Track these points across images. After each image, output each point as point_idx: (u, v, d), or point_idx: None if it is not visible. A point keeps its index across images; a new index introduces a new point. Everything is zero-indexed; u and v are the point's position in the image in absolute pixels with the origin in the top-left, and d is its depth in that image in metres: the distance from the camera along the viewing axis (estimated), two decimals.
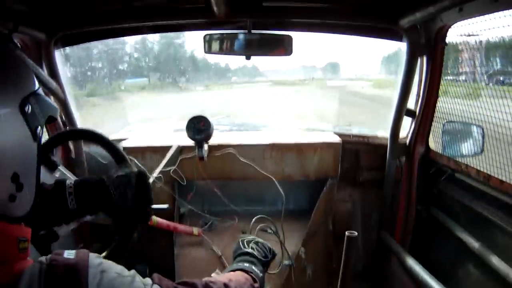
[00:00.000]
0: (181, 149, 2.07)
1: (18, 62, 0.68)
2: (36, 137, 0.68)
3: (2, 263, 0.64)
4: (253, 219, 1.97)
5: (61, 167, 1.31)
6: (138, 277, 0.75)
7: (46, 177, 1.30)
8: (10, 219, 0.66)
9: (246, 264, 1.14)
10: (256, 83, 21.26)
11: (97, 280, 0.66)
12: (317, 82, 21.16)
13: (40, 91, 0.71)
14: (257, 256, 1.21)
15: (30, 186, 0.68)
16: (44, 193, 1.00)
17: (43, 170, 1.29)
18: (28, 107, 0.66)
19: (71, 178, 1.31)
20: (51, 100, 0.73)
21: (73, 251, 0.69)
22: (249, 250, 1.22)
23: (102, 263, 0.70)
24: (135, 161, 1.99)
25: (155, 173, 1.94)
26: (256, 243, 1.26)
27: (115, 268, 0.71)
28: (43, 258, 0.66)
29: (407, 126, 2.08)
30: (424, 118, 1.94)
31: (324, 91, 16.81)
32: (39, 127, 0.69)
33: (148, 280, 0.77)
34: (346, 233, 1.51)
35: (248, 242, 1.25)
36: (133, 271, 0.75)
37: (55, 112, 0.75)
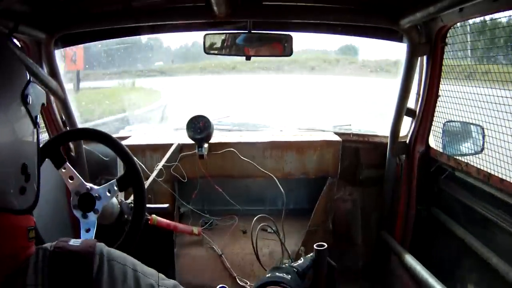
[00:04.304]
0: (181, 147, 2.07)
1: (11, 55, 0.70)
2: (35, 124, 0.70)
3: (13, 256, 0.64)
4: (254, 219, 1.97)
5: (67, 164, 1.33)
6: (156, 277, 0.72)
7: (53, 173, 1.33)
8: (19, 211, 0.66)
9: (278, 273, 1.03)
10: None
11: (102, 267, 0.65)
12: None
13: (31, 79, 0.73)
14: (294, 267, 1.09)
15: (35, 175, 0.70)
16: None
17: (50, 165, 1.32)
18: (29, 98, 0.68)
19: (76, 174, 1.33)
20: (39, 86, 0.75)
21: (79, 239, 0.69)
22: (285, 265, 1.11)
23: (112, 253, 0.68)
24: (135, 159, 1.99)
25: (155, 171, 1.94)
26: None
27: (127, 260, 0.69)
28: (47, 245, 0.66)
29: (407, 126, 2.08)
30: (424, 118, 1.95)
31: None
32: (37, 115, 0.72)
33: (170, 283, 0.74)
34: (314, 246, 1.34)
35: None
36: (153, 271, 0.73)
37: (44, 98, 0.77)
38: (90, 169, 2.14)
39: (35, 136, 0.71)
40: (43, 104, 0.76)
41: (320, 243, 1.15)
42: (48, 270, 0.63)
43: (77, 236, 2.11)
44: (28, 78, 0.71)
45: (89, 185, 1.39)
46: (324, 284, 1.25)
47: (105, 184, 1.40)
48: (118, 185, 1.40)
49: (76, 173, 1.36)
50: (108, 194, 1.39)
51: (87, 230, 1.34)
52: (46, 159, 1.37)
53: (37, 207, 0.72)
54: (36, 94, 0.72)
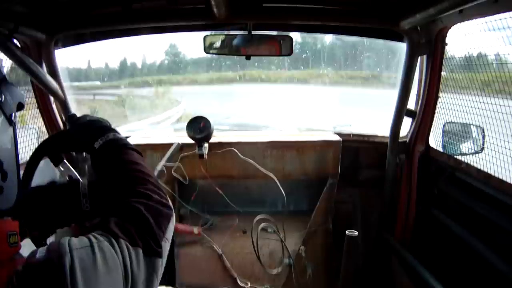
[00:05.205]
0: (181, 147, 2.07)
1: None
2: (11, 122, 0.70)
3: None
4: (255, 219, 1.97)
5: (65, 161, 1.31)
6: (104, 241, 0.68)
7: (49, 171, 1.32)
8: None
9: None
10: None
11: (74, 264, 0.62)
12: None
13: (6, 78, 0.73)
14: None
15: (13, 174, 0.69)
16: (55, 191, 1.00)
17: (48, 163, 1.32)
18: (2, 96, 0.68)
19: (75, 173, 1.32)
20: (17, 88, 0.77)
21: (45, 248, 0.66)
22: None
23: (73, 242, 0.66)
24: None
25: (156, 171, 1.94)
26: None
27: (80, 243, 0.66)
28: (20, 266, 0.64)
29: (407, 126, 2.08)
30: (424, 118, 1.95)
31: None
32: (13, 113, 0.72)
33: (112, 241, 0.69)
34: (347, 232, 1.51)
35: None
36: (96, 238, 0.68)
37: (22, 98, 0.77)
38: (90, 171, 2.13)
39: (11, 135, 0.70)
40: (21, 105, 0.75)
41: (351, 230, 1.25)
42: (17, 284, 0.60)
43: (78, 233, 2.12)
44: (2, 76, 0.71)
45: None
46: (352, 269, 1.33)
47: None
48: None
49: (74, 171, 1.35)
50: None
51: None
52: (44, 159, 1.35)
53: None
54: (12, 93, 0.72)
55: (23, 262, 0.64)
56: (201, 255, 2.05)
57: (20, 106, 0.75)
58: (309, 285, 2.06)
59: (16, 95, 0.74)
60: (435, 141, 1.97)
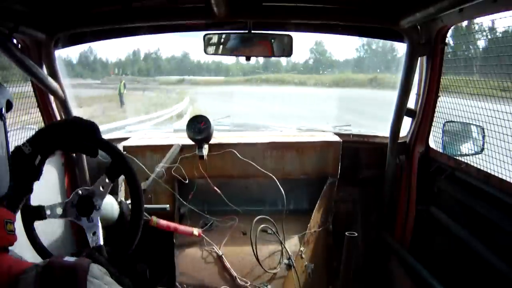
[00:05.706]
0: (181, 148, 2.07)
1: None
2: (1, 116, 0.74)
3: None
4: (255, 220, 1.96)
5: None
6: None
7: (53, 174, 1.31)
8: None
9: None
10: None
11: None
12: None
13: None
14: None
15: (3, 164, 0.72)
16: None
17: (50, 166, 1.31)
18: None
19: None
20: (4, 86, 0.81)
21: (73, 258, 0.69)
22: None
23: (106, 277, 0.70)
24: (136, 160, 1.99)
25: (156, 172, 1.94)
26: None
27: (104, 278, 0.70)
28: (40, 262, 0.67)
29: (407, 126, 2.08)
30: (424, 118, 1.95)
31: None
32: (3, 108, 0.76)
33: None
34: (346, 233, 1.51)
35: None
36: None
37: (11, 96, 0.80)
38: (90, 172, 2.14)
39: (1, 128, 0.74)
40: (9, 103, 0.78)
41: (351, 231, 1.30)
42: (40, 282, 0.63)
43: (79, 236, 2.12)
44: None
45: (80, 189, 1.32)
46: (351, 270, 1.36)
47: (96, 183, 1.34)
48: (108, 177, 1.33)
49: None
50: (102, 190, 1.33)
51: (94, 233, 1.29)
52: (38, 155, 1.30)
53: None
54: (1, 90, 0.76)
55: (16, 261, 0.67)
56: (201, 256, 2.05)
57: (9, 104, 0.79)
58: (309, 285, 2.06)
59: (4, 92, 0.77)
60: (434, 141, 1.97)
